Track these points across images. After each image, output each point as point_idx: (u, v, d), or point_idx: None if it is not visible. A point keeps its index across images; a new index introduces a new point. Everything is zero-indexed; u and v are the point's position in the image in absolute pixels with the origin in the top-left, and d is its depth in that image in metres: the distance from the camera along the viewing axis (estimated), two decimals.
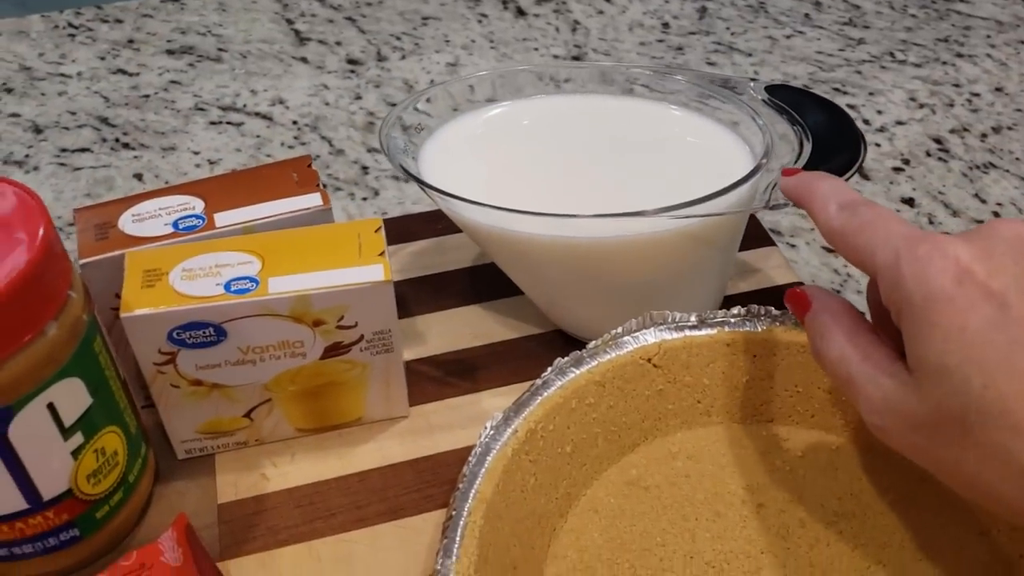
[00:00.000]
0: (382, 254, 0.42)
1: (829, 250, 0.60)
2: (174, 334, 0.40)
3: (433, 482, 0.45)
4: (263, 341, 0.42)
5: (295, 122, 0.74)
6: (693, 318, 0.45)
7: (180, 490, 0.45)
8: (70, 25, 0.87)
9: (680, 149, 0.51)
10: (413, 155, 0.48)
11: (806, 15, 0.83)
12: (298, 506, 0.44)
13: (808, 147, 0.45)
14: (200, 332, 0.40)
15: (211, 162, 0.71)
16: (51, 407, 0.36)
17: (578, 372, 0.43)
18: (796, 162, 0.45)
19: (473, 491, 0.39)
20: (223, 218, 0.44)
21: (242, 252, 0.42)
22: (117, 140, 0.73)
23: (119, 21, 0.88)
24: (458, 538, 0.38)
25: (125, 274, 0.41)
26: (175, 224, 0.44)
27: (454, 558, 0.37)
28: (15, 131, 0.75)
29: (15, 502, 0.38)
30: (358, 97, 0.77)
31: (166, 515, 0.44)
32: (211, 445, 0.46)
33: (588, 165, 0.49)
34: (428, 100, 0.50)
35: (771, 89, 0.49)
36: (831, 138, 0.46)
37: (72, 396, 0.37)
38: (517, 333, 0.53)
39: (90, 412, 0.38)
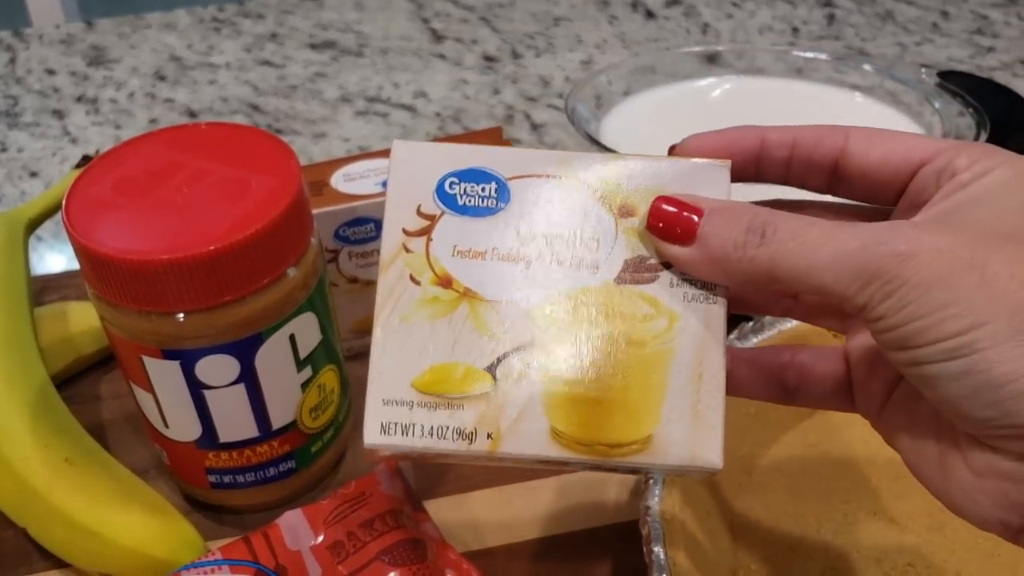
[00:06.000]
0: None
1: None
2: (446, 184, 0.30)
3: None
4: (548, 225, 0.30)
5: (438, 114, 0.77)
6: None
7: None
8: (215, 19, 0.91)
9: None
10: (595, 128, 0.51)
11: (934, 24, 0.85)
12: None
13: (986, 130, 0.47)
14: (477, 187, 0.30)
15: (361, 149, 0.74)
16: (292, 338, 0.39)
17: (759, 338, 0.45)
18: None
19: None
20: None
21: None
22: (269, 126, 0.77)
23: (261, 16, 0.92)
24: (660, 481, 0.40)
25: None
26: (383, 184, 0.46)
27: (657, 498, 0.39)
28: (170, 115, 0.79)
29: (248, 429, 0.40)
30: (496, 92, 0.79)
31: (360, 461, 0.47)
32: (423, 425, 0.28)
33: None
34: (609, 82, 0.53)
35: (943, 75, 0.51)
36: (1006, 121, 0.47)
37: (308, 330, 0.40)
38: None
39: (319, 347, 0.41)
